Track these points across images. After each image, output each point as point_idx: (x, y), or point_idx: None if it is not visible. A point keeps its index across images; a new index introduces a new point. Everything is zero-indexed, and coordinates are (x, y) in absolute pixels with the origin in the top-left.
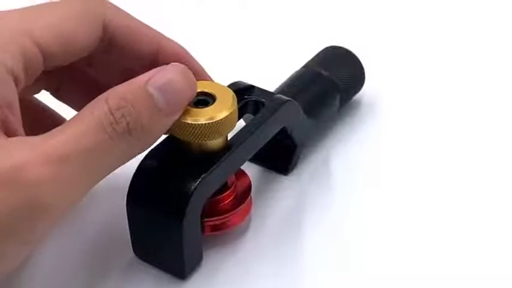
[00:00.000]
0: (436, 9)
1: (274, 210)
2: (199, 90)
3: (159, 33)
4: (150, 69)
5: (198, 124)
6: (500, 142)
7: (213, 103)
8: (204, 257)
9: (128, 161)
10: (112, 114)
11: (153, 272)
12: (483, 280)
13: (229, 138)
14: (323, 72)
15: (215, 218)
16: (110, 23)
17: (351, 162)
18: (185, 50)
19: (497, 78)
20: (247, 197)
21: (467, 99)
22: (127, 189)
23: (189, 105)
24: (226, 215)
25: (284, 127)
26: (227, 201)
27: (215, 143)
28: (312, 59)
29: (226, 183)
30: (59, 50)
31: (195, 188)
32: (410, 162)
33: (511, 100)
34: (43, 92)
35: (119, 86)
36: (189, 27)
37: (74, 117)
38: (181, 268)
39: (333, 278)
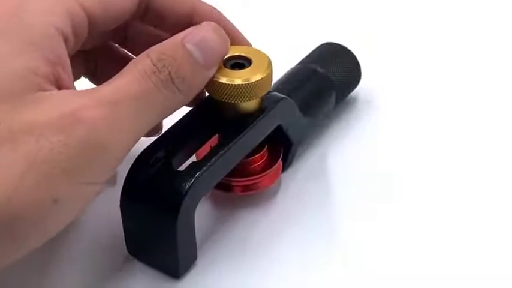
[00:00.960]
0: (431, 5)
1: (268, 209)
2: (236, 53)
3: None
4: None
5: (234, 85)
6: (496, 138)
7: (249, 66)
8: (197, 256)
9: (173, 112)
10: (155, 65)
11: (147, 270)
12: (484, 279)
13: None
14: (319, 69)
15: (246, 179)
16: None
17: (348, 159)
18: (219, 12)
19: (492, 75)
20: (278, 160)
21: (463, 95)
22: (121, 186)
23: (226, 67)
24: (258, 176)
25: (279, 125)
26: (259, 163)
27: (250, 104)
28: (308, 56)
29: (259, 145)
30: (102, 14)
31: (190, 187)
32: (407, 159)
33: (506, 95)
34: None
35: (157, 45)
36: None
37: (119, 72)
38: (176, 267)
39: (329, 276)
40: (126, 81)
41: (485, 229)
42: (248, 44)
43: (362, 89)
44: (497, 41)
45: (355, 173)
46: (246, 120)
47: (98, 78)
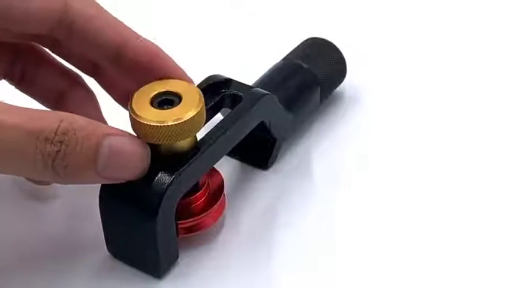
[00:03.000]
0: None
1: (253, 206)
2: (164, 89)
3: (128, 28)
4: (116, 64)
5: (166, 126)
6: (484, 132)
7: (179, 103)
8: (179, 255)
9: (34, 178)
10: (56, 133)
11: (129, 270)
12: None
13: (205, 133)
14: (303, 64)
15: (188, 220)
16: (70, 7)
17: (333, 156)
18: (158, 47)
19: (480, 70)
20: (220, 196)
21: (450, 92)
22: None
23: (153, 105)
24: (200, 216)
25: (263, 121)
26: (200, 202)
27: (185, 142)
28: (292, 51)
29: (198, 183)
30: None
31: (168, 186)
32: (393, 156)
33: (493, 88)
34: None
35: (85, 119)
36: (166, 21)
37: (36, 110)
38: (157, 267)
39: (312, 276)
40: (19, 115)
41: (478, 224)
42: (189, 80)
43: (348, 85)
44: (486, 35)
45: (340, 170)
46: (182, 158)
47: (25, 86)
